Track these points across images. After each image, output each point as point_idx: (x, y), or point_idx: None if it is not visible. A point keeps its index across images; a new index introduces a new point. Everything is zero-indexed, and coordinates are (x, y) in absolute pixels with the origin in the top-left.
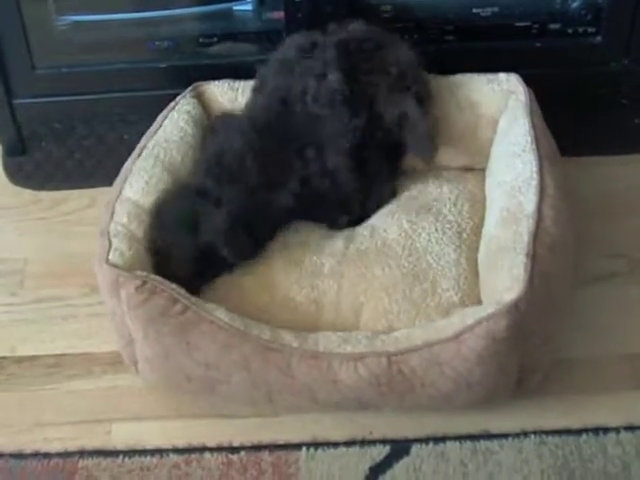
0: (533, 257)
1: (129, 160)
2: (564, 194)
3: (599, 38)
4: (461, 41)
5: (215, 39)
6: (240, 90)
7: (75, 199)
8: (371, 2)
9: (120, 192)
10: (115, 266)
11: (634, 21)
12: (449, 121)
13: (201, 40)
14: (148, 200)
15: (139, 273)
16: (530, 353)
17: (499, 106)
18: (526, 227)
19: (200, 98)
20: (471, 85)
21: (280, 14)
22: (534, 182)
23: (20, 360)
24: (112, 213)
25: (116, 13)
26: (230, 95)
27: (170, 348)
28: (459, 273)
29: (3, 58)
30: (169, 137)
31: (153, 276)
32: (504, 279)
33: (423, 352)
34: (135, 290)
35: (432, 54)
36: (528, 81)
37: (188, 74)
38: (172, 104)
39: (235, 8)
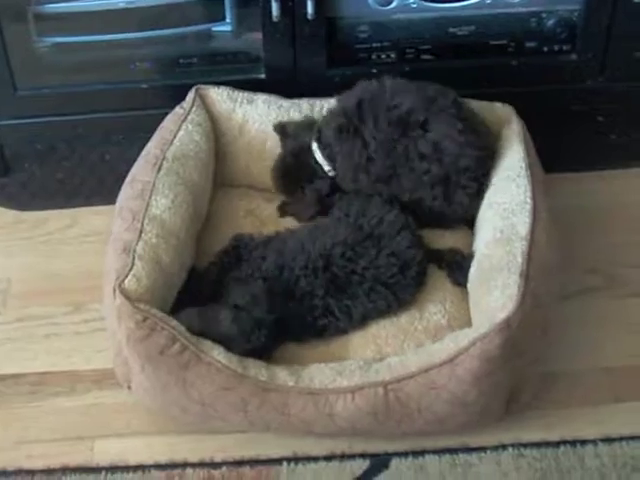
0: (526, 277)
1: (145, 166)
2: (552, 217)
3: (574, 56)
4: (438, 60)
5: (195, 59)
6: (239, 101)
7: (57, 219)
8: (348, 22)
9: (147, 207)
10: (125, 294)
11: (609, 39)
12: None
13: (181, 61)
14: (175, 220)
15: (142, 307)
16: (521, 371)
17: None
18: (520, 248)
19: (205, 106)
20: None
21: (258, 35)
22: (528, 206)
23: (3, 378)
24: (140, 231)
25: (97, 35)
26: (228, 105)
27: (167, 384)
28: (445, 296)
29: None
30: (185, 151)
31: (155, 311)
32: (497, 298)
33: (419, 378)
34: (135, 325)
35: (409, 73)
36: (504, 99)
37: (169, 94)
38: (181, 111)
39: (214, 29)
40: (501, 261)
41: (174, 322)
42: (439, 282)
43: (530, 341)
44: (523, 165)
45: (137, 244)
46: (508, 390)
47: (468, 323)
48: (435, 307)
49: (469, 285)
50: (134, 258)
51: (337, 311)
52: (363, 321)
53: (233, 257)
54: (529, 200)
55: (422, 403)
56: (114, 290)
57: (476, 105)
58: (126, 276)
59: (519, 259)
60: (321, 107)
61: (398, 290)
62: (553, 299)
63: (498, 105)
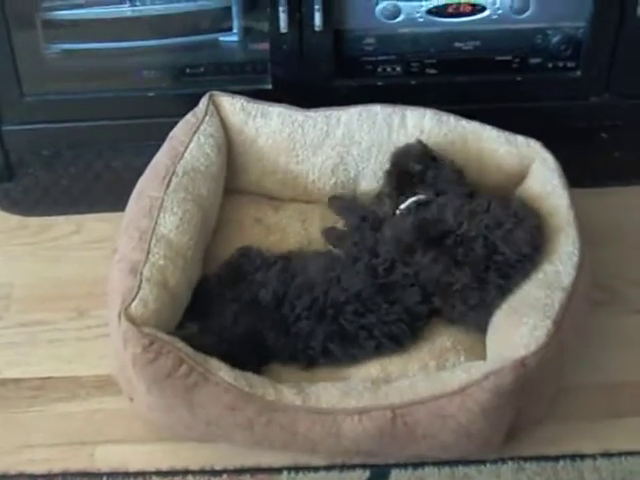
0: (559, 327)
1: (154, 180)
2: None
3: (579, 72)
4: (442, 74)
5: (202, 69)
6: (252, 114)
7: (62, 225)
8: (355, 35)
9: (155, 226)
10: (131, 319)
11: (613, 56)
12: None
13: (188, 70)
14: (183, 240)
15: (148, 331)
16: (528, 408)
17: (513, 170)
18: (559, 296)
19: (218, 114)
20: (487, 144)
21: (265, 45)
22: (575, 258)
23: (5, 383)
24: (148, 252)
25: (104, 42)
26: (241, 117)
27: (172, 405)
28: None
29: None
30: (196, 165)
31: (161, 335)
32: (523, 335)
33: (429, 405)
34: (142, 349)
35: (414, 87)
36: (507, 115)
37: (176, 103)
38: (193, 120)
39: (221, 39)
40: (538, 302)
41: (180, 344)
42: None
43: (544, 383)
44: (572, 214)
45: (144, 266)
46: (510, 425)
47: (473, 346)
48: (439, 329)
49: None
50: (141, 281)
51: (339, 355)
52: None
53: (235, 272)
54: (576, 252)
55: (428, 430)
56: (119, 315)
57: (495, 136)
58: (132, 300)
59: (556, 306)
60: (337, 119)
61: (404, 341)
62: (575, 347)
63: (520, 139)
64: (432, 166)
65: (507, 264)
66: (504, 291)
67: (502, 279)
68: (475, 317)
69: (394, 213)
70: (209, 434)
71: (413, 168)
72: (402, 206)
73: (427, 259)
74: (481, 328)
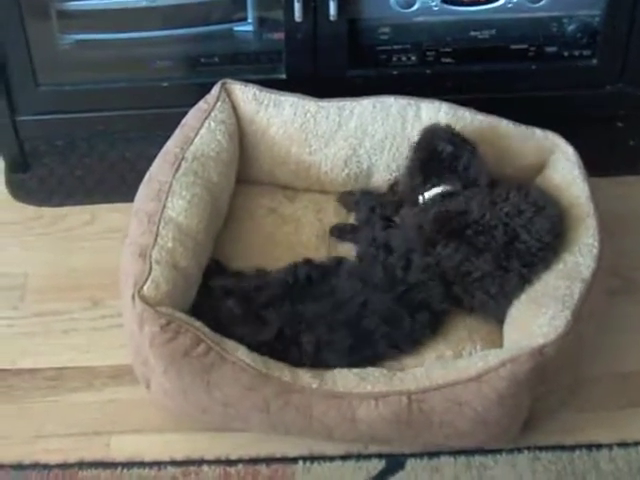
0: (577, 317)
1: (163, 165)
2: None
3: (594, 61)
4: (458, 63)
5: (216, 59)
6: (264, 104)
7: (76, 215)
8: (369, 24)
9: (163, 209)
10: (145, 300)
11: (629, 45)
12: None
13: (202, 60)
14: (192, 223)
15: (164, 310)
16: (544, 397)
17: (531, 163)
18: (579, 288)
19: (230, 101)
20: (504, 138)
21: (280, 35)
22: (595, 250)
23: (21, 373)
24: (156, 235)
25: (119, 32)
26: (253, 107)
27: (190, 385)
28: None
29: (7, 75)
30: (206, 151)
31: (179, 314)
32: (542, 325)
33: (445, 391)
34: (160, 329)
35: (429, 77)
36: (523, 103)
37: (190, 93)
38: (205, 106)
39: (236, 29)
40: (557, 291)
41: (198, 323)
42: None
43: (561, 372)
44: (592, 206)
45: (153, 249)
46: (526, 412)
47: (489, 336)
48: (456, 319)
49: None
50: (151, 263)
51: (352, 369)
52: None
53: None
54: (596, 245)
55: (444, 417)
56: (133, 297)
57: (514, 132)
58: (144, 282)
59: (576, 297)
60: (351, 110)
61: (424, 340)
62: (591, 337)
63: (538, 132)
64: (465, 150)
65: (529, 252)
66: (525, 280)
67: (524, 267)
68: (495, 306)
69: (416, 199)
70: (225, 418)
71: (444, 149)
72: (426, 195)
73: (449, 250)
74: (499, 318)
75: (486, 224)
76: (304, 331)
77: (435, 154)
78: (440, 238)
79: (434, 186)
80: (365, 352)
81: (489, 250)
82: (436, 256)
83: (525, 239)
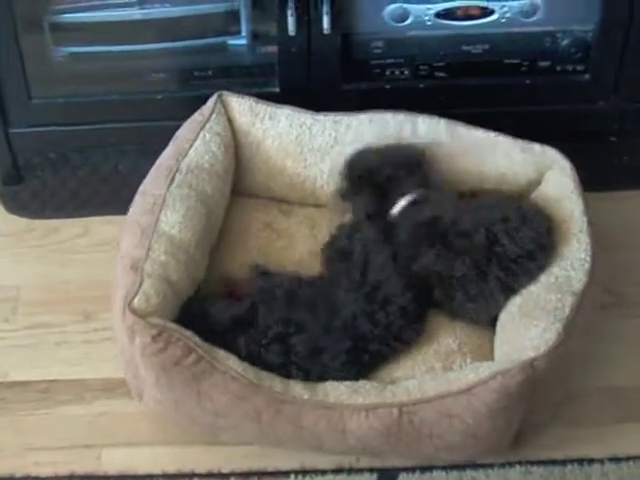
0: (568, 330)
1: (157, 178)
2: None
3: (587, 76)
4: (451, 78)
5: (210, 72)
6: (260, 116)
7: (69, 228)
8: (363, 38)
9: (156, 223)
10: (135, 312)
11: (622, 60)
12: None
13: (196, 73)
14: (186, 237)
15: (155, 321)
16: (535, 411)
17: (530, 178)
18: (570, 301)
19: (226, 113)
20: (502, 154)
21: (274, 49)
22: (587, 265)
23: (12, 385)
24: (148, 248)
25: (113, 45)
26: (248, 119)
27: (180, 396)
28: (456, 322)
29: (0, 88)
30: (200, 162)
31: (170, 324)
32: (533, 337)
33: (435, 404)
34: (151, 339)
35: (422, 91)
36: (516, 118)
37: (184, 106)
38: (200, 118)
39: (230, 42)
40: (549, 305)
41: (188, 332)
42: None
43: (551, 385)
44: (585, 220)
45: (145, 262)
46: (517, 427)
47: (479, 348)
48: (446, 331)
49: (503, 314)
50: (142, 276)
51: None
52: None
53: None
54: (588, 259)
55: (434, 429)
56: (123, 310)
57: (509, 145)
58: (135, 295)
59: (567, 311)
60: (347, 125)
61: (408, 338)
62: (583, 354)
63: (537, 147)
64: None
65: (507, 257)
66: (505, 287)
67: (502, 271)
68: (474, 309)
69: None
70: (216, 429)
71: (398, 175)
72: (395, 210)
73: (430, 254)
74: (480, 323)
75: (466, 227)
76: (294, 333)
77: (379, 176)
78: (425, 243)
79: (399, 198)
80: (361, 354)
81: (469, 253)
82: (418, 262)
83: (504, 243)
